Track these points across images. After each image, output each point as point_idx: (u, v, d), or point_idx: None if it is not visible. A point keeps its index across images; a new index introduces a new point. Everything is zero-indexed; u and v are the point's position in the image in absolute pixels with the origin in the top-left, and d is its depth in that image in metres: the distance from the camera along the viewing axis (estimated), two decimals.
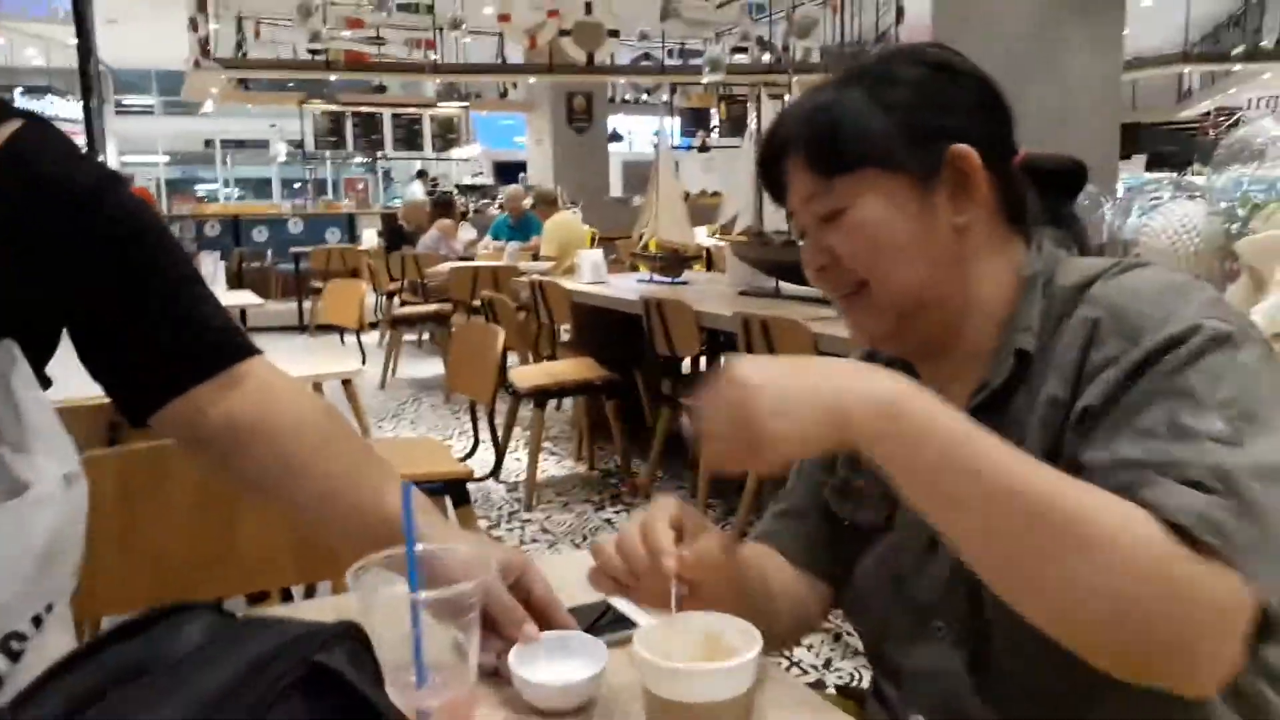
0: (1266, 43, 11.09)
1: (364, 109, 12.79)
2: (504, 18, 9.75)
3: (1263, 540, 0.64)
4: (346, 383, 3.52)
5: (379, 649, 0.62)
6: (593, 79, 11.39)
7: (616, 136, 13.59)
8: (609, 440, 4.35)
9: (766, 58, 10.77)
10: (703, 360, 4.71)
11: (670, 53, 11.83)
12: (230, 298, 5.02)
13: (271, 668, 0.51)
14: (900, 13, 8.94)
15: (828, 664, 2.55)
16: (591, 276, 4.86)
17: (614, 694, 0.79)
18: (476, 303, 5.52)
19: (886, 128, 0.83)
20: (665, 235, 4.85)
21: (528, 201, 8.10)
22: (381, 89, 13.17)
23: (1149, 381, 0.72)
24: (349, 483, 0.94)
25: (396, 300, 7.54)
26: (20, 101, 1.31)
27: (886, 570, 0.91)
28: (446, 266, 6.80)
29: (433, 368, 6.99)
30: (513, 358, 4.70)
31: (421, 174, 13.14)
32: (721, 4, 9.89)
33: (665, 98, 13.85)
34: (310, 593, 1.98)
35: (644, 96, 14.28)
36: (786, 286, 3.93)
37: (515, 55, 11.56)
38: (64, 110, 12.77)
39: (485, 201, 12.32)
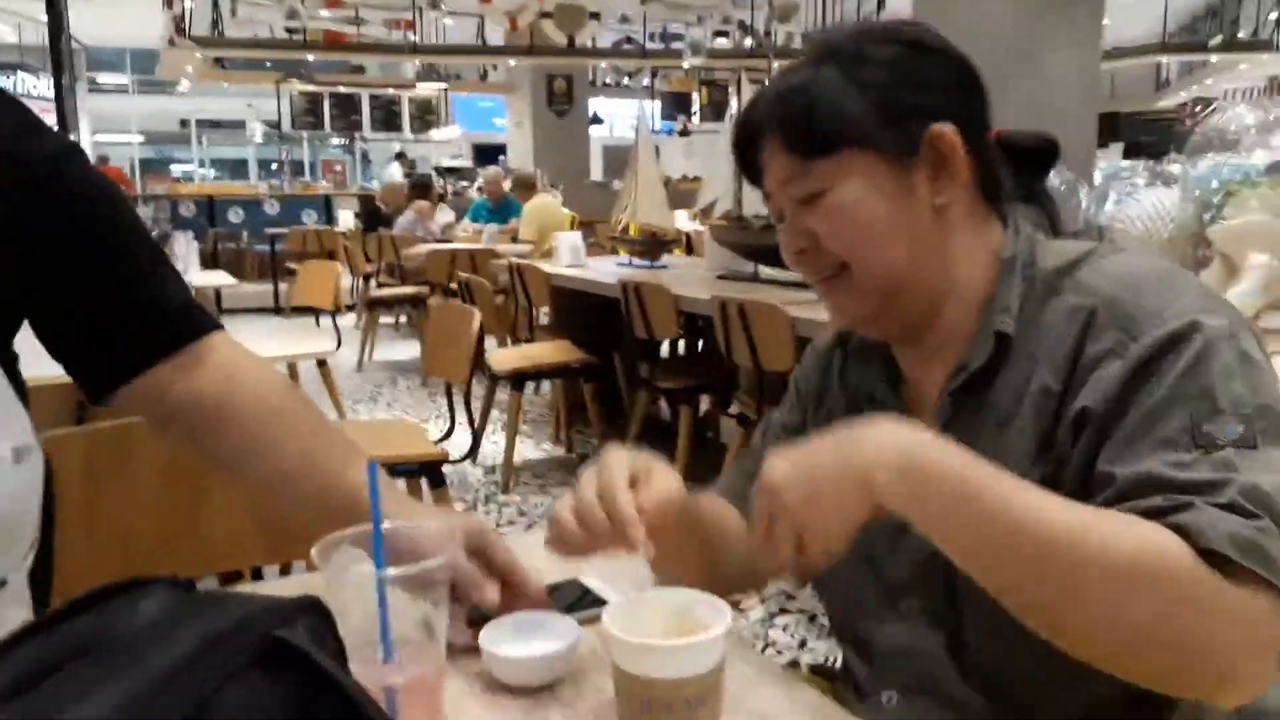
0: (1243, 34, 11.18)
1: (342, 89, 12.66)
2: None
3: None
4: (322, 364, 3.50)
5: (346, 626, 0.61)
6: (573, 62, 11.33)
7: (597, 120, 13.52)
8: (586, 423, 4.34)
9: (748, 42, 10.74)
10: (681, 344, 4.72)
11: (652, 36, 11.77)
12: (205, 279, 4.98)
13: (229, 643, 0.50)
14: (881, 0, 8.95)
15: (802, 644, 2.56)
16: (570, 260, 4.84)
17: (584, 671, 0.78)
18: (454, 285, 5.49)
19: (863, 108, 0.82)
20: (645, 219, 4.83)
21: (507, 184, 8.04)
22: (360, 70, 13.05)
23: (1160, 385, 0.72)
24: (309, 460, 0.93)
25: (373, 282, 7.49)
26: None
27: (859, 547, 0.91)
28: (424, 249, 6.75)
29: (410, 350, 6.95)
30: (491, 341, 4.68)
31: (400, 156, 13.04)
32: None
33: (646, 81, 13.79)
34: (285, 572, 1.97)
35: (625, 80, 14.23)
36: (765, 271, 3.93)
37: (495, 37, 11.47)
38: (35, 88, 12.56)
39: (464, 184, 12.24)
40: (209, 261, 8.45)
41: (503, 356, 4.14)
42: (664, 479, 0.82)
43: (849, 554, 0.90)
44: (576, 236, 5.12)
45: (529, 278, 4.65)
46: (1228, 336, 0.73)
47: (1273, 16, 10.60)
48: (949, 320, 0.86)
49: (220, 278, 5.28)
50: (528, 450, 4.44)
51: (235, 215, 10.63)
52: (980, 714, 0.81)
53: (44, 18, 7.25)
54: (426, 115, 13.06)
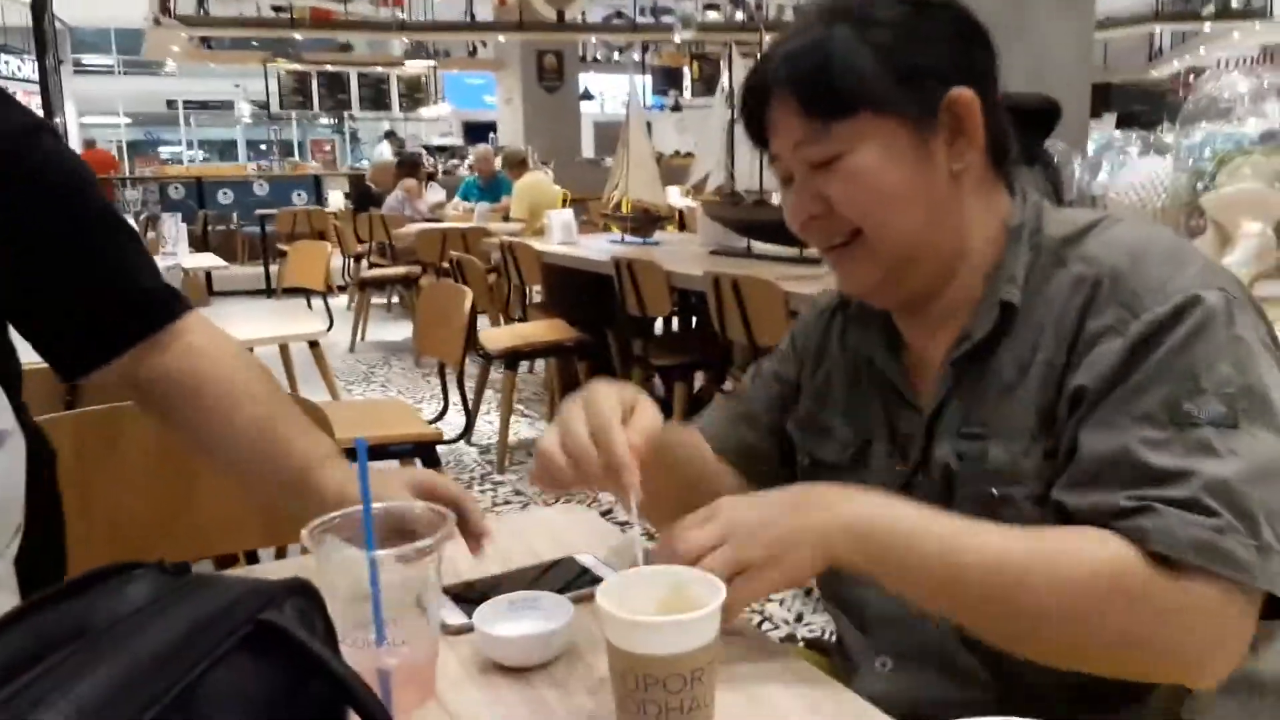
0: (1236, 2, 11.11)
1: (330, 68, 12.55)
2: None
3: (1263, 548, 0.67)
4: (314, 345, 3.48)
5: (337, 608, 0.61)
6: (563, 37, 11.23)
7: (588, 96, 13.42)
8: None
9: (739, 15, 10.65)
10: (674, 320, 4.71)
11: (642, 10, 11.68)
12: (195, 261, 4.94)
13: (215, 627, 0.49)
14: None
15: (799, 618, 2.57)
16: (562, 237, 4.82)
17: (579, 649, 0.78)
18: (446, 265, 5.46)
19: (880, 69, 0.79)
20: (637, 195, 4.81)
21: (497, 162, 7.99)
22: (348, 48, 12.93)
23: (1150, 360, 0.72)
24: (265, 433, 0.96)
25: (364, 263, 7.46)
26: None
27: None
28: (415, 228, 6.71)
29: (402, 330, 6.93)
30: (483, 320, 4.67)
31: (390, 134, 12.95)
32: None
33: (637, 56, 13.69)
34: (281, 555, 1.96)
35: (616, 55, 14.12)
36: (758, 246, 3.92)
37: (484, 12, 11.35)
38: (19, 70, 12.42)
39: (454, 162, 12.16)
40: (199, 244, 8.39)
41: (495, 335, 4.12)
42: (647, 412, 0.81)
43: None
44: (568, 214, 5.09)
45: (521, 256, 4.63)
46: (1225, 313, 0.72)
47: None
48: (956, 289, 0.85)
49: (211, 260, 5.24)
50: (523, 429, 4.44)
51: (225, 197, 10.57)
52: (975, 679, 0.81)
53: None
54: (416, 93, 12.96)
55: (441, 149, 13.33)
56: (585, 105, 12.88)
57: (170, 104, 18.89)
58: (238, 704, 0.47)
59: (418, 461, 2.55)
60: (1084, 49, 5.13)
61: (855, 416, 0.93)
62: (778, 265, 3.51)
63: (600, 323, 4.21)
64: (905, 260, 0.83)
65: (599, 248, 4.56)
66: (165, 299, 0.97)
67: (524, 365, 4.78)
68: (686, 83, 13.63)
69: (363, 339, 6.59)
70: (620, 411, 0.78)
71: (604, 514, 3.32)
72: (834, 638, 1.00)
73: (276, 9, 10.21)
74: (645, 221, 4.79)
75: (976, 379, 0.82)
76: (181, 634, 0.49)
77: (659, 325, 4.48)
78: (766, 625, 2.53)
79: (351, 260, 7.82)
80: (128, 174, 11.52)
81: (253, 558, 1.63)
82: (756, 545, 0.73)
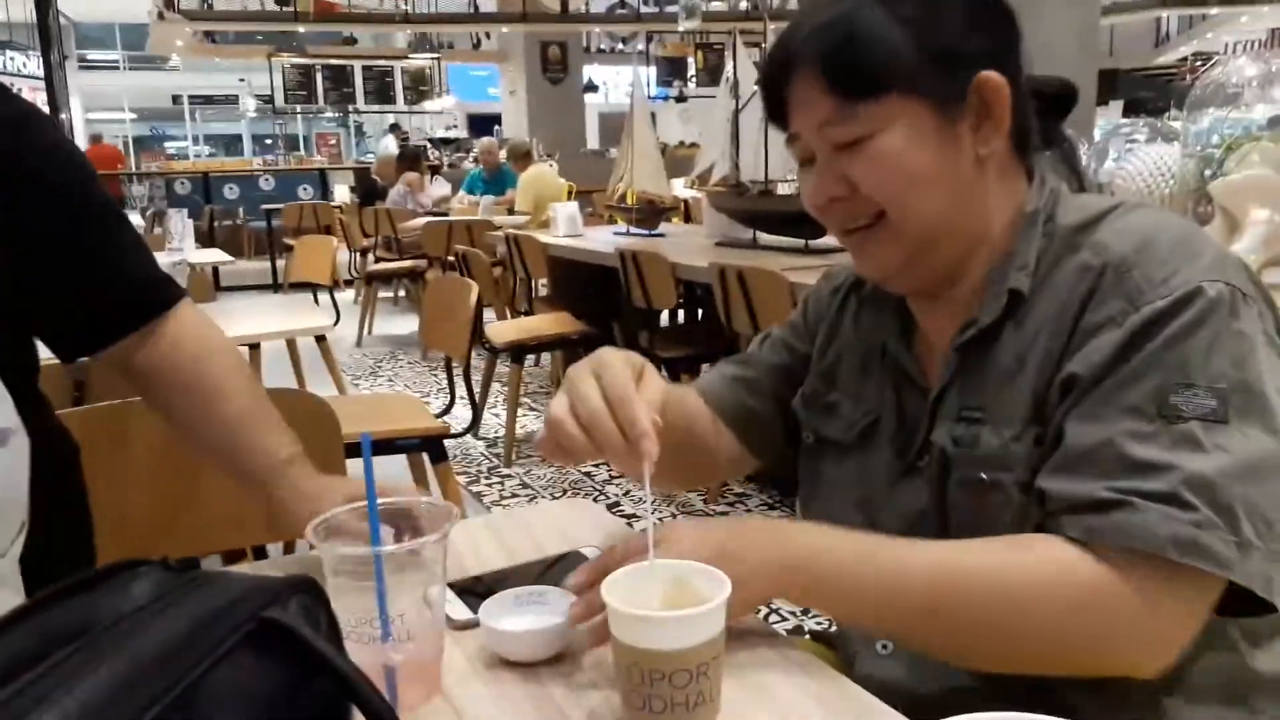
0: None
1: (334, 61, 12.55)
2: None
3: (1243, 544, 0.67)
4: (321, 340, 3.48)
5: (342, 605, 0.61)
6: (567, 28, 11.21)
7: (592, 87, 13.39)
8: None
9: (744, 4, 10.61)
10: (680, 312, 4.70)
11: (646, 0, 11.63)
12: (202, 256, 4.95)
13: (219, 625, 0.49)
14: None
15: (806, 610, 2.57)
16: (567, 230, 4.81)
17: (584, 644, 0.78)
18: (451, 258, 5.46)
19: (910, 49, 0.77)
20: (642, 187, 4.80)
21: (502, 154, 7.98)
22: (352, 40, 12.91)
23: (1143, 354, 0.71)
24: (236, 439, 1.00)
25: (370, 257, 7.46)
26: None
27: (855, 491, 0.91)
28: (420, 221, 6.71)
29: (409, 324, 6.93)
30: (489, 314, 4.67)
31: (394, 127, 12.95)
32: None
33: (641, 47, 13.65)
34: (289, 550, 1.97)
35: (620, 46, 14.09)
36: (764, 237, 3.90)
37: (488, 4, 11.33)
38: (25, 66, 12.44)
39: (459, 155, 12.15)
40: (205, 239, 8.42)
41: (501, 329, 4.12)
42: (654, 380, 0.80)
43: (845, 497, 0.91)
44: (573, 206, 5.08)
45: (526, 249, 4.62)
46: (1227, 307, 0.71)
47: None
48: (972, 274, 0.84)
49: (217, 255, 5.25)
50: (530, 422, 4.44)
51: (231, 191, 10.57)
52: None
53: None
54: (420, 86, 12.96)
55: (446, 142, 13.32)
56: (589, 96, 12.85)
57: (175, 99, 18.93)
58: (241, 702, 0.47)
59: (425, 456, 2.55)
60: (1090, 35, 5.10)
61: (863, 397, 0.92)
62: (783, 256, 3.50)
63: (606, 315, 4.21)
64: (928, 244, 0.82)
65: (604, 240, 4.56)
66: (154, 290, 1.01)
67: (530, 358, 4.78)
68: (691, 73, 13.58)
69: (369, 333, 6.59)
70: (634, 384, 0.77)
71: (610, 507, 3.33)
72: (836, 626, 1.00)
73: (280, 2, 10.20)
74: (650, 213, 4.78)
75: (980, 365, 0.81)
76: (184, 632, 0.48)
77: (665, 317, 4.47)
78: (773, 618, 2.53)
79: (357, 254, 7.82)
80: (134, 169, 11.54)
81: (260, 553, 1.63)
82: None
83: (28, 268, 0.90)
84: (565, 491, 3.53)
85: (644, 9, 11.67)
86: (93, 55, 17.35)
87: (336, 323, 4.58)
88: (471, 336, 2.76)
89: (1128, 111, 10.19)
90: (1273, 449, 0.69)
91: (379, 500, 0.72)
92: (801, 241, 3.64)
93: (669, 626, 0.64)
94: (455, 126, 15.59)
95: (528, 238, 4.68)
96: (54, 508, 0.98)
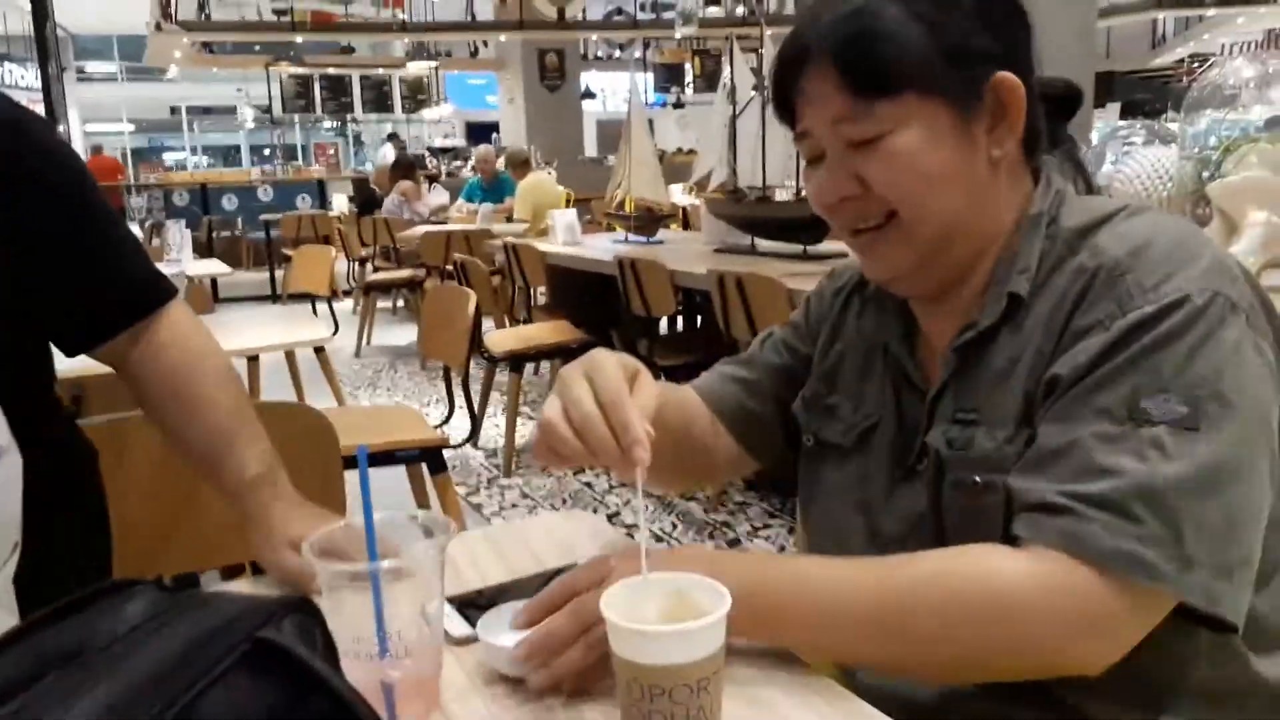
0: None
1: (332, 71, 12.58)
2: None
3: (1185, 559, 0.67)
4: (319, 351, 3.48)
5: (339, 622, 0.61)
6: (564, 35, 11.23)
7: (589, 94, 13.41)
8: None
9: (740, 10, 10.63)
10: (679, 320, 4.70)
11: (643, 6, 11.66)
12: (199, 268, 4.95)
13: (213, 645, 0.49)
14: None
15: None
16: (565, 238, 4.81)
17: None
18: (450, 267, 5.46)
19: (929, 48, 0.76)
20: (640, 194, 4.80)
21: (500, 162, 7.99)
22: (349, 50, 12.93)
23: (1121, 358, 0.71)
24: (212, 451, 1.01)
25: (369, 266, 7.45)
26: None
27: (855, 495, 0.90)
28: (419, 230, 6.71)
29: (407, 334, 6.92)
30: (488, 322, 4.66)
31: (392, 136, 12.96)
32: None
33: (638, 54, 13.67)
34: None
35: (617, 53, 14.11)
36: (762, 243, 3.90)
37: (485, 12, 11.35)
38: (22, 79, 12.46)
39: (458, 164, 12.17)
40: (204, 250, 8.41)
41: (499, 338, 4.12)
42: (648, 383, 0.78)
43: (845, 500, 0.91)
44: (571, 214, 5.08)
45: (524, 257, 4.62)
46: (1214, 316, 0.70)
47: None
48: (978, 277, 0.83)
49: (216, 266, 5.25)
50: (529, 432, 4.43)
51: (229, 202, 10.58)
52: None
53: (28, 5, 7.17)
54: (418, 95, 12.98)
55: (444, 150, 13.34)
56: (587, 104, 12.87)
57: (174, 110, 18.95)
58: None
59: (424, 467, 2.54)
60: (1087, 37, 5.11)
61: (863, 400, 0.92)
62: (782, 262, 3.50)
63: (605, 323, 4.20)
64: (940, 246, 0.81)
65: (603, 247, 4.56)
66: (145, 289, 1.02)
67: (529, 367, 4.78)
68: (688, 79, 13.60)
69: (368, 343, 6.59)
70: (627, 387, 0.75)
71: (610, 518, 3.32)
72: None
73: (278, 13, 10.22)
74: (649, 220, 4.78)
75: (976, 367, 0.81)
76: (179, 652, 0.48)
77: (664, 325, 4.47)
78: None
79: (356, 264, 7.82)
80: (132, 181, 11.55)
81: (259, 568, 1.62)
82: None
83: (27, 268, 0.90)
84: (565, 501, 3.52)
85: (641, 16, 11.69)
86: (90, 67, 17.38)
87: (335, 333, 4.58)
88: (470, 346, 2.76)
89: (1125, 114, 10.20)
90: (1236, 460, 0.69)
91: (375, 516, 0.72)
92: (800, 247, 3.64)
93: (668, 641, 0.64)
94: (453, 134, 15.61)
95: (526, 246, 4.68)
96: (71, 516, 0.99)
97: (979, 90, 0.78)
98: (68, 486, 1.04)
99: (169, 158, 18.13)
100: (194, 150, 19.35)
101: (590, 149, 12.96)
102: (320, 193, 10.95)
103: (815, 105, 0.80)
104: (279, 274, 8.80)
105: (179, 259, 4.58)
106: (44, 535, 0.91)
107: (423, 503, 2.56)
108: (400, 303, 7.95)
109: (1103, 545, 0.67)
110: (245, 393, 1.08)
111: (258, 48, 12.21)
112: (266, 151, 17.44)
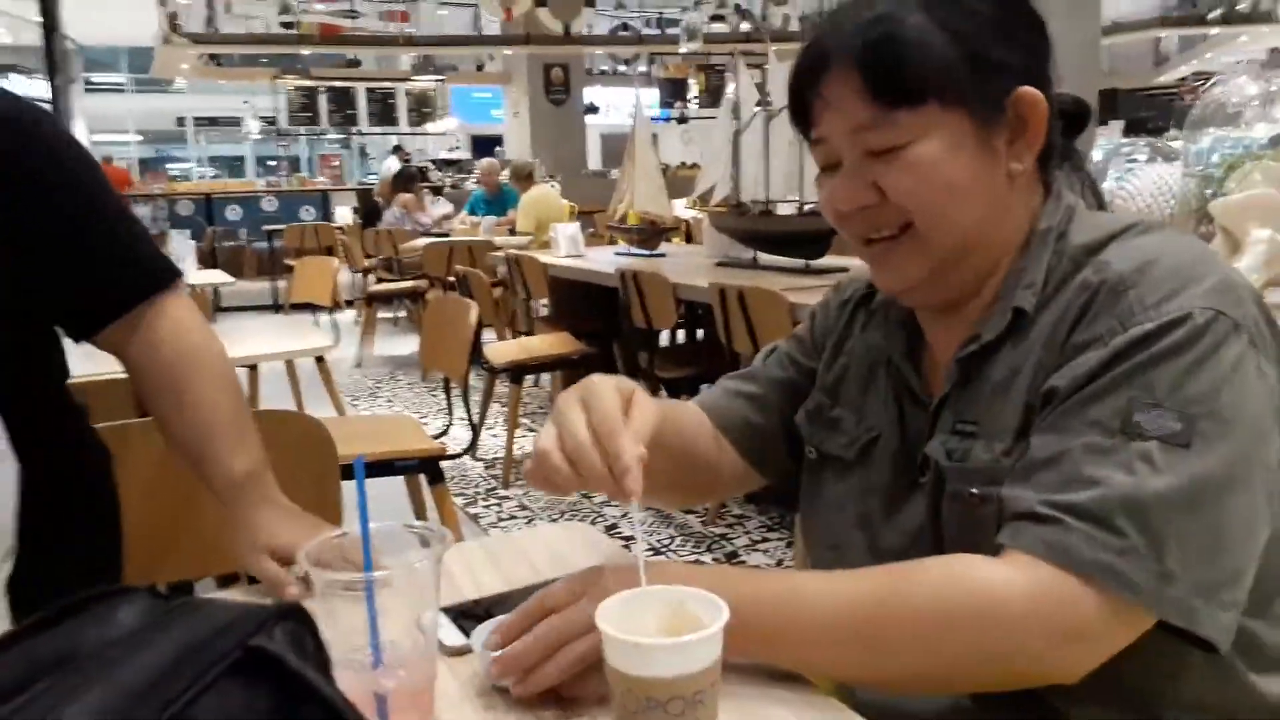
0: (1243, 5, 11.09)
1: (338, 84, 12.63)
2: None
3: (1164, 574, 0.67)
4: (320, 361, 3.48)
5: (334, 631, 0.60)
6: (569, 50, 11.27)
7: (594, 109, 13.45)
8: None
9: (745, 26, 10.67)
10: (680, 333, 4.70)
11: (647, 22, 11.72)
12: (202, 277, 4.96)
13: (205, 653, 0.48)
14: None
15: None
16: (568, 250, 4.81)
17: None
18: (452, 278, 5.47)
19: (954, 59, 0.76)
20: (643, 207, 4.81)
21: (503, 175, 8.01)
22: (355, 63, 13.00)
23: (1117, 372, 0.71)
24: (197, 450, 1.01)
25: (371, 278, 7.47)
26: None
27: (856, 508, 0.90)
28: (421, 242, 6.73)
29: (409, 345, 6.93)
30: (489, 334, 4.67)
31: (397, 149, 13.00)
32: None
33: (643, 69, 13.73)
34: None
35: (621, 67, 14.16)
36: (764, 257, 3.91)
37: (491, 27, 11.41)
38: (30, 90, 12.52)
39: (461, 176, 12.20)
40: (207, 260, 8.43)
41: (500, 349, 4.12)
42: (646, 407, 0.77)
43: (845, 513, 0.90)
44: (575, 227, 5.09)
45: (527, 269, 4.63)
46: (1215, 335, 0.70)
47: None
48: (988, 290, 0.83)
49: (218, 276, 5.26)
50: (528, 444, 4.43)
51: (233, 213, 10.61)
52: None
53: (38, 18, 7.21)
54: (423, 108, 13.03)
55: (449, 163, 13.38)
56: (591, 118, 12.90)
57: (180, 121, 19.04)
58: None
59: (422, 477, 2.54)
60: (1090, 55, 5.12)
61: (866, 413, 0.92)
62: (784, 276, 3.50)
63: (606, 335, 4.21)
64: (955, 258, 0.80)
65: (605, 260, 4.56)
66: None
67: (529, 379, 4.78)
68: (692, 94, 13.65)
69: (370, 354, 6.59)
70: (621, 409, 0.75)
71: (608, 529, 3.31)
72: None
73: (285, 25, 10.27)
74: (651, 233, 4.79)
75: (978, 380, 0.81)
76: (170, 660, 0.48)
77: (665, 337, 4.47)
78: None
79: (359, 275, 7.84)
80: (138, 191, 11.59)
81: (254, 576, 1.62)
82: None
83: (28, 268, 0.91)
84: (564, 513, 3.52)
85: (646, 31, 11.75)
86: (99, 78, 17.47)
87: (336, 343, 4.58)
88: (470, 356, 2.76)
89: (1128, 131, 10.21)
90: (1228, 478, 0.68)
91: (370, 525, 0.71)
92: (802, 262, 3.64)
93: (663, 653, 0.63)
94: (458, 148, 15.66)
95: (528, 258, 4.69)
96: (80, 518, 0.98)
97: (1001, 103, 0.78)
98: (78, 489, 1.04)
99: (174, 168, 18.19)
100: (199, 161, 19.42)
101: (594, 162, 13.00)
102: (324, 204, 10.97)
103: (834, 112, 0.79)
104: (281, 284, 8.82)
105: (182, 269, 4.58)
106: (50, 538, 0.91)
107: (421, 513, 2.56)
108: (402, 313, 7.96)
109: (1083, 556, 0.67)
110: (242, 395, 1.08)
111: (264, 60, 12.28)
112: (271, 162, 17.49)
